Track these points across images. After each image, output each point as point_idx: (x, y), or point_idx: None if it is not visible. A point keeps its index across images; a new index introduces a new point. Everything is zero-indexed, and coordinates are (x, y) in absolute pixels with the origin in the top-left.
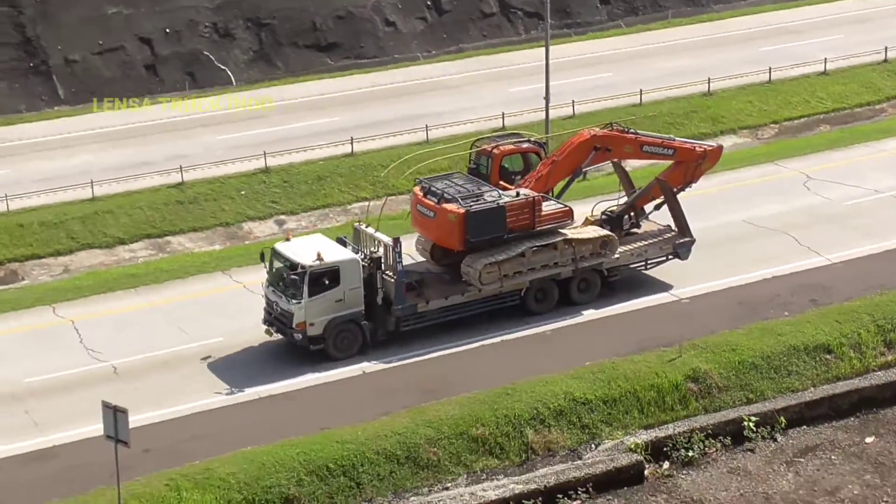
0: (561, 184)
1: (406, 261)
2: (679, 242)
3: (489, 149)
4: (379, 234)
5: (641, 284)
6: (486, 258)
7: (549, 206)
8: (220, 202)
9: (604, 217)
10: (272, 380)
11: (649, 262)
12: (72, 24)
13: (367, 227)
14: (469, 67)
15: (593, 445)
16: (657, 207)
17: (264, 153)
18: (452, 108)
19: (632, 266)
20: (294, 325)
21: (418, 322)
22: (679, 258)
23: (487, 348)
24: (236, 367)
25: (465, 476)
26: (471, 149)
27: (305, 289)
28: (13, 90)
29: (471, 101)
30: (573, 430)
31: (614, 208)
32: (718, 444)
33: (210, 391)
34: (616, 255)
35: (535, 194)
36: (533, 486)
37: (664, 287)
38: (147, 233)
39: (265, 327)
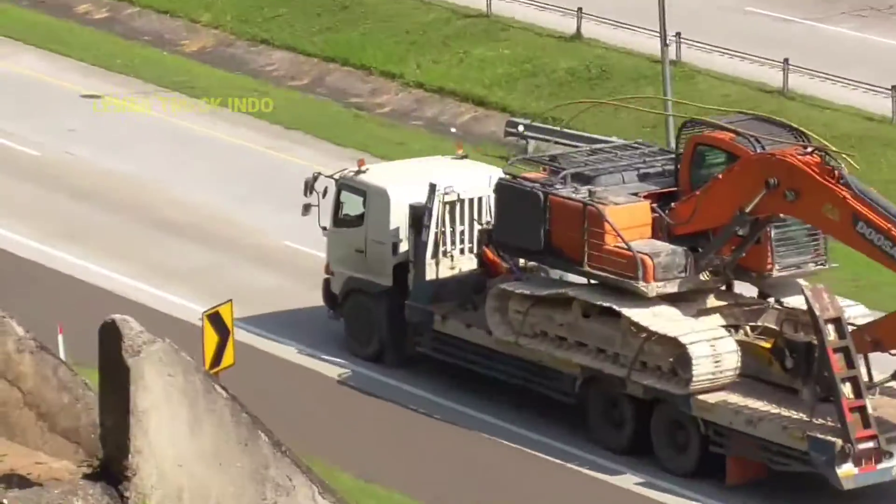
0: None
1: None
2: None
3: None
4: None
5: None
6: (515, 285)
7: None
8: None
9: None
10: None
11: (775, 456)
12: None
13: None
14: None
15: None
16: None
17: None
18: None
19: (742, 438)
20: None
21: (435, 348)
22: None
23: None
24: None
25: None
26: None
27: (331, 209)
28: None
29: None
30: None
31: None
32: None
33: None
34: (695, 391)
35: (599, 198)
36: None
37: None
38: None
39: None
